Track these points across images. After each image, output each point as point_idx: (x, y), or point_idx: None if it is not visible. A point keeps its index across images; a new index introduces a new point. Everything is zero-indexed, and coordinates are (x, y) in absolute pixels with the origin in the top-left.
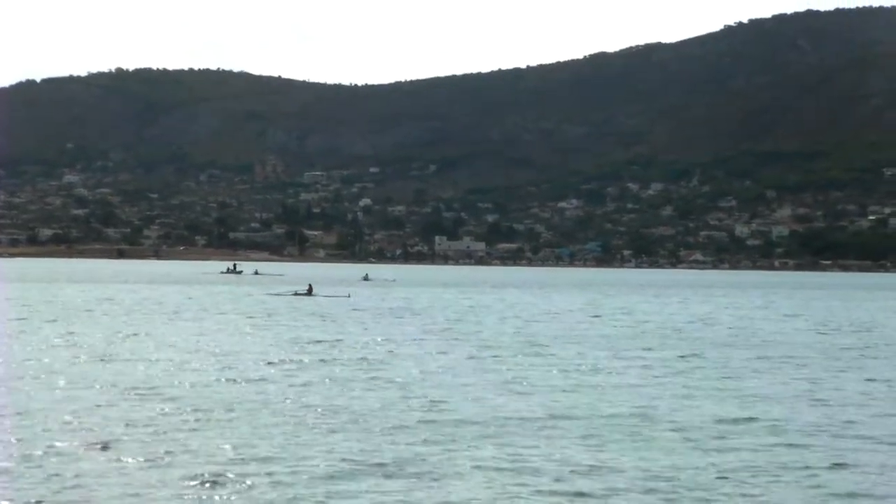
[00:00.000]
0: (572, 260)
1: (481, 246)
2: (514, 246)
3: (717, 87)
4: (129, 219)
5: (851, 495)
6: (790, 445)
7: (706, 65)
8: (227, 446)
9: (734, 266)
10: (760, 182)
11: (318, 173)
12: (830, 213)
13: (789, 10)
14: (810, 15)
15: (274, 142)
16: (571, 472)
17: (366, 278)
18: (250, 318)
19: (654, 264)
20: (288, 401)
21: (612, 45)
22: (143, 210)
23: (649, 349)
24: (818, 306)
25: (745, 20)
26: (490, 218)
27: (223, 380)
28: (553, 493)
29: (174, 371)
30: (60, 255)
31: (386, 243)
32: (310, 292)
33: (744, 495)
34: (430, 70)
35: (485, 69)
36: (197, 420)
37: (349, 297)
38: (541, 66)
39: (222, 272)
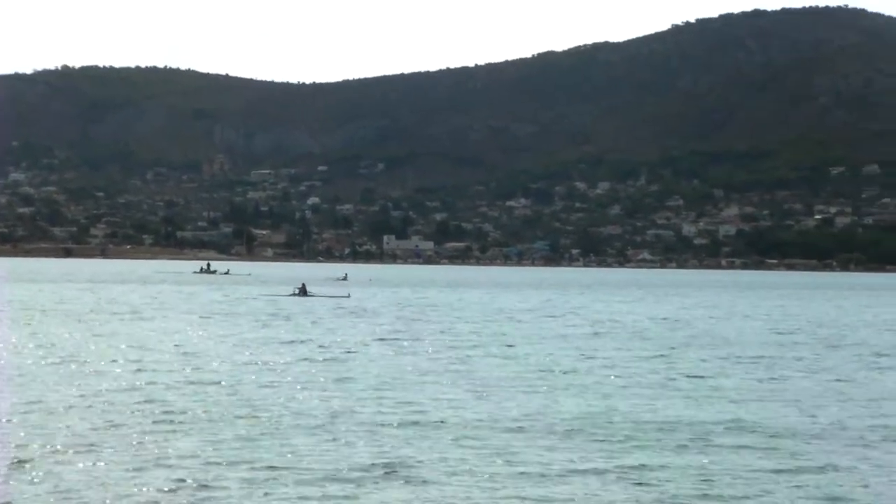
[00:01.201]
0: (520, 259)
1: (430, 245)
2: (462, 245)
3: (664, 86)
4: (75, 217)
5: (837, 498)
6: (772, 448)
7: (653, 64)
8: (207, 449)
9: (681, 265)
10: (707, 181)
11: (265, 172)
12: (777, 213)
13: (736, 10)
14: (757, 15)
15: (221, 140)
16: (553, 474)
17: (344, 278)
18: (257, 321)
19: (601, 263)
20: (268, 403)
21: (560, 44)
22: (90, 209)
23: (618, 349)
24: (773, 306)
25: (692, 20)
26: (438, 217)
27: (206, 382)
28: (535, 496)
29: (165, 372)
30: (6, 255)
31: (334, 242)
32: (304, 292)
33: (728, 497)
34: (379, 69)
35: (433, 68)
36: (173, 423)
37: (349, 296)
38: (489, 65)
39: (195, 272)
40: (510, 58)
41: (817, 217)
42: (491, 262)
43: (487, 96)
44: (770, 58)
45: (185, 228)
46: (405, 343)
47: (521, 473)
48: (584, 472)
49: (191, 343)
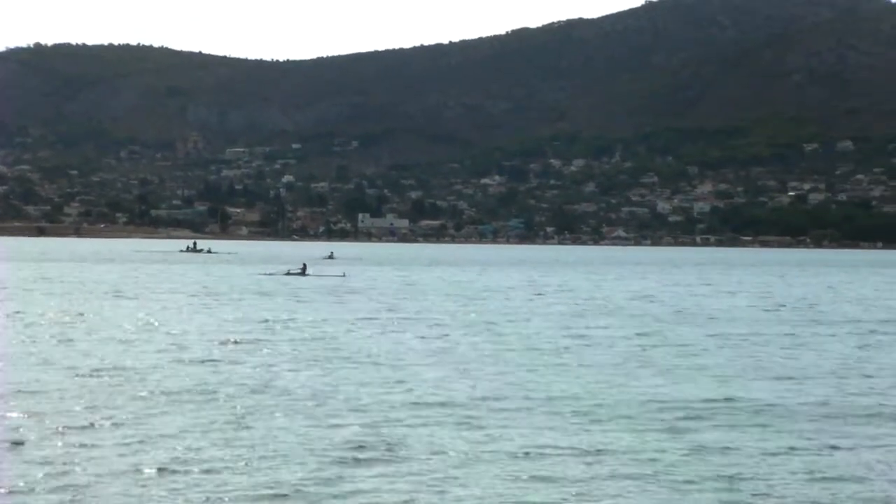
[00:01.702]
0: (495, 237)
1: (405, 223)
2: (437, 223)
3: (638, 63)
4: (48, 196)
5: (838, 478)
6: (766, 426)
7: (628, 41)
8: (199, 430)
9: (656, 242)
10: (682, 158)
11: (239, 150)
12: (751, 190)
13: None
14: None
15: (195, 118)
16: (540, 453)
17: (331, 256)
18: (254, 298)
19: (576, 241)
20: (263, 383)
21: (534, 20)
22: (64, 187)
23: (604, 327)
24: (757, 282)
25: None
26: (413, 195)
27: (197, 361)
28: (538, 477)
29: (155, 352)
30: None
31: (309, 220)
32: (303, 272)
33: (721, 476)
34: (352, 46)
35: (407, 45)
36: (165, 403)
37: (344, 276)
38: (463, 42)
39: (182, 251)
40: (484, 35)
41: (791, 194)
42: (466, 240)
43: (462, 73)
44: (744, 34)
45: (160, 207)
46: (391, 322)
47: (508, 452)
48: (572, 451)
49: (187, 322)
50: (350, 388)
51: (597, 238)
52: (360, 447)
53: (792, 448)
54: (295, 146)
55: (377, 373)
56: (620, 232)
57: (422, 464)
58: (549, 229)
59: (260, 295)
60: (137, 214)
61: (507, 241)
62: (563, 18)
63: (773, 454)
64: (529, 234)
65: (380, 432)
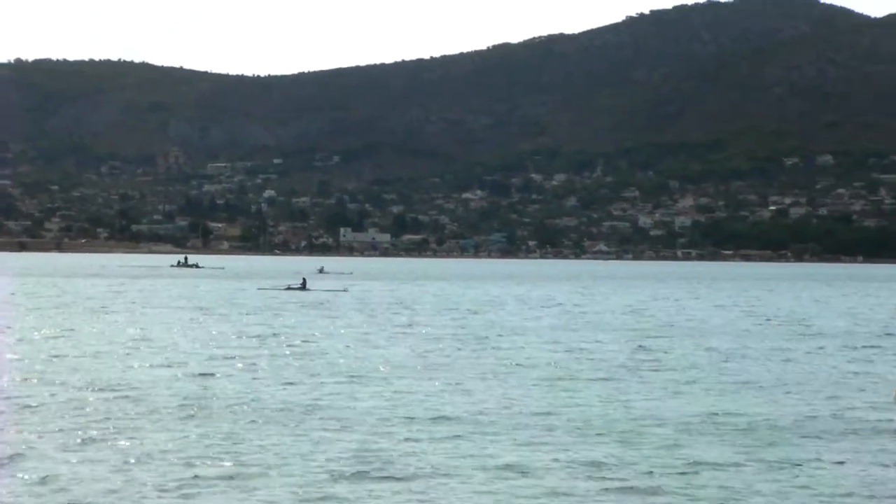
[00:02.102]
0: (477, 251)
1: (386, 237)
2: (419, 237)
3: (619, 77)
4: (29, 211)
5: (846, 494)
6: (756, 441)
7: (608, 56)
8: (199, 445)
9: (637, 257)
10: (663, 172)
11: (221, 165)
12: (732, 204)
13: (690, 1)
14: (710, 6)
15: (176, 133)
16: (531, 468)
17: (321, 271)
18: (250, 314)
19: (558, 255)
20: (260, 398)
21: (515, 36)
22: (44, 202)
23: (599, 342)
24: (748, 297)
25: (646, 11)
26: (395, 209)
27: (190, 376)
28: (540, 492)
29: (155, 368)
30: None
31: (290, 235)
32: (304, 287)
33: (724, 487)
34: (334, 61)
35: (388, 60)
36: (163, 418)
37: (346, 290)
38: (444, 57)
39: (172, 266)
40: (465, 50)
41: (772, 208)
42: (448, 254)
43: (443, 88)
44: (723, 49)
45: (141, 222)
46: (381, 336)
47: (498, 468)
48: (563, 465)
49: (178, 338)
50: (339, 403)
51: (578, 252)
52: (383, 466)
53: (783, 462)
54: (276, 161)
55: (383, 388)
56: (602, 246)
57: (415, 480)
58: (530, 243)
59: (266, 310)
60: (118, 229)
61: (489, 256)
62: (544, 34)
63: (775, 469)
64: (511, 249)
65: (372, 448)
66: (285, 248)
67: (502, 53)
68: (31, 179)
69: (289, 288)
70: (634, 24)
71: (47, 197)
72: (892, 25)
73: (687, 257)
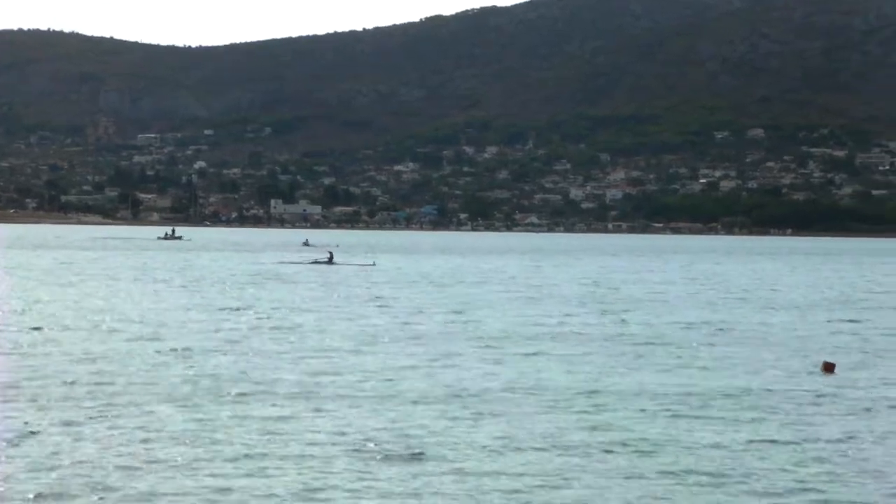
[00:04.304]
0: (409, 223)
1: (317, 209)
2: (350, 209)
3: (551, 50)
4: None
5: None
6: (742, 417)
7: (541, 29)
8: (196, 424)
9: (569, 229)
10: (594, 145)
11: (151, 136)
12: (663, 177)
13: None
14: None
15: (106, 104)
16: (518, 447)
17: (306, 244)
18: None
19: (489, 227)
20: (237, 373)
21: (448, 8)
22: None
23: (569, 315)
24: (699, 270)
25: None
26: (326, 181)
27: (177, 351)
28: (497, 470)
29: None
30: None
31: (221, 207)
32: (331, 261)
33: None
34: (265, 32)
35: (320, 31)
36: (156, 395)
37: (374, 265)
38: (377, 29)
39: (160, 237)
40: (398, 21)
41: (702, 181)
42: (380, 226)
43: (375, 60)
44: (656, 23)
45: (70, 193)
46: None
47: (483, 446)
48: (553, 444)
49: (180, 313)
50: (342, 381)
51: (510, 225)
52: (382, 444)
53: (773, 439)
54: (207, 132)
55: (362, 365)
56: (533, 219)
57: (443, 460)
58: (462, 216)
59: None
60: (47, 200)
61: (421, 228)
62: (477, 6)
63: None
64: (443, 221)
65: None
66: (216, 220)
67: (435, 25)
68: None
69: (316, 262)
70: None
71: None
72: (822, 2)
73: (618, 230)
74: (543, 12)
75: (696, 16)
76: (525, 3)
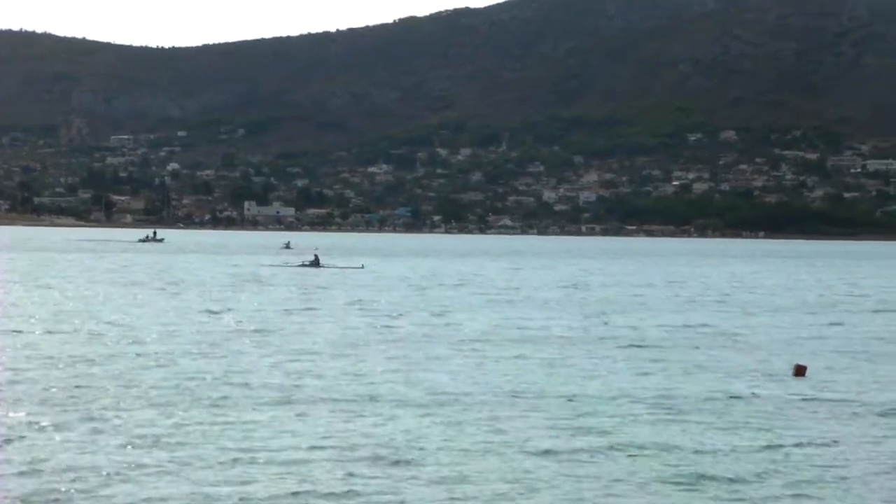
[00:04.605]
0: (382, 225)
1: (291, 211)
2: (323, 211)
3: (525, 52)
4: None
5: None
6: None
7: (514, 30)
8: (178, 429)
9: (542, 231)
10: (568, 147)
11: (124, 137)
12: (636, 179)
13: None
14: None
15: (80, 104)
16: (499, 450)
17: (287, 246)
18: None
19: (463, 230)
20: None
21: (421, 9)
22: None
23: (549, 318)
24: (670, 272)
25: None
26: (300, 183)
27: (159, 354)
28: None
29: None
30: None
31: (194, 208)
32: (316, 263)
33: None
34: (239, 33)
35: (294, 32)
36: (137, 399)
37: (363, 267)
38: (350, 31)
39: (141, 240)
40: (371, 23)
41: (675, 183)
42: (353, 228)
43: (349, 62)
44: (630, 24)
45: (43, 194)
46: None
47: (465, 450)
48: (535, 448)
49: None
50: (323, 383)
51: (483, 227)
52: (370, 449)
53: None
54: (181, 134)
55: (345, 367)
56: (507, 221)
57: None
58: (435, 218)
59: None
60: (20, 202)
61: (394, 230)
62: (451, 7)
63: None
64: (416, 223)
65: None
66: (189, 222)
67: (408, 27)
68: None
69: (302, 265)
70: None
71: None
72: (797, 3)
73: (591, 232)
74: (517, 13)
75: (669, 17)
76: (498, 4)
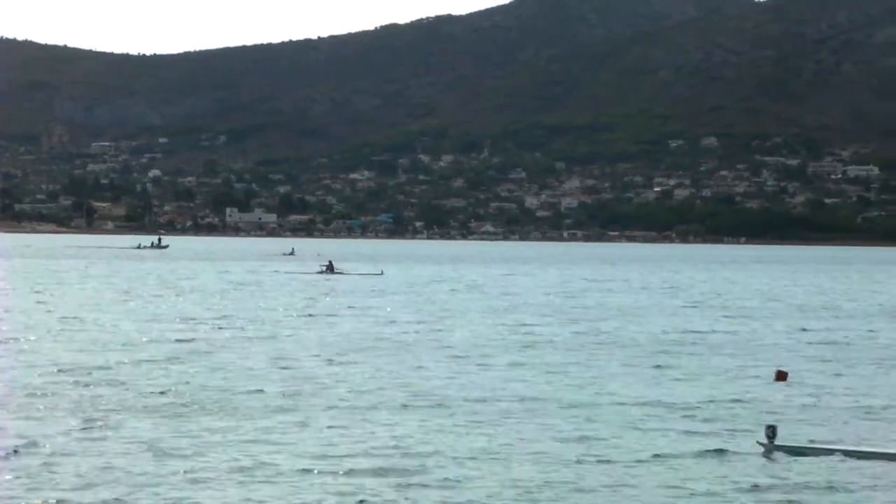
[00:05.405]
0: (364, 231)
1: (273, 217)
2: (305, 218)
3: (506, 59)
4: None
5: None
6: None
7: (496, 37)
8: (179, 438)
9: (524, 237)
10: (550, 154)
11: (106, 144)
12: (618, 185)
13: None
14: None
15: (60, 112)
16: (496, 457)
17: (291, 253)
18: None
19: (445, 236)
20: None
21: (403, 16)
22: None
23: (544, 325)
24: (662, 277)
25: None
26: (282, 189)
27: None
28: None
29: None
30: None
31: (176, 215)
32: (330, 270)
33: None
34: (220, 40)
35: (275, 39)
36: (139, 408)
37: (382, 273)
38: (331, 38)
39: (146, 247)
40: (353, 30)
41: (657, 189)
42: (335, 234)
43: (330, 69)
44: (611, 31)
45: (24, 201)
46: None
47: (465, 458)
48: (534, 455)
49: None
50: (311, 390)
51: (465, 233)
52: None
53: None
54: (162, 140)
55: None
56: (489, 227)
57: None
58: (417, 224)
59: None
60: (1, 209)
61: (376, 236)
62: (432, 14)
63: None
64: (398, 229)
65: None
66: (171, 228)
67: (390, 34)
68: None
69: (321, 272)
70: (522, 6)
71: None
72: (777, 10)
73: (573, 238)
74: (498, 21)
75: (650, 24)
76: (479, 11)
